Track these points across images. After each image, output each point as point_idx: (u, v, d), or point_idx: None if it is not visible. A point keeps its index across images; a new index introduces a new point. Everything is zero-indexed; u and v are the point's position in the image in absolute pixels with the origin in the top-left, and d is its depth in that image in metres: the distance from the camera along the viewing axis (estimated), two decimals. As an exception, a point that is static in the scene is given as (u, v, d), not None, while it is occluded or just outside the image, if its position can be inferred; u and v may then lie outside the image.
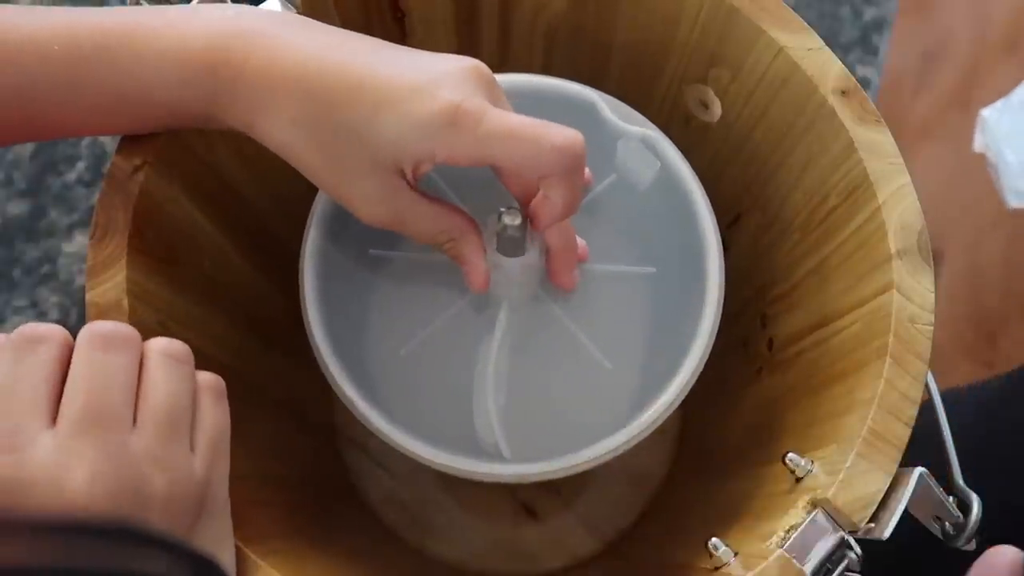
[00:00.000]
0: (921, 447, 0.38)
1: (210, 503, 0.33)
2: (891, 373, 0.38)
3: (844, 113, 0.41)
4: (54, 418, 0.30)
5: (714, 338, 0.41)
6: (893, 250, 0.39)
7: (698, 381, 0.41)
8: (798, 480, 0.39)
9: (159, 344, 0.33)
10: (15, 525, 0.26)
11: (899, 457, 0.37)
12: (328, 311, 0.42)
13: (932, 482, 0.37)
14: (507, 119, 0.34)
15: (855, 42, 0.66)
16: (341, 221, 0.42)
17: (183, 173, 0.43)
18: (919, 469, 0.37)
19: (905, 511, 0.36)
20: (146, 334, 0.33)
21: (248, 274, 0.50)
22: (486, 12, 0.50)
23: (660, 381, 0.41)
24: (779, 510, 0.38)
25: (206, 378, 0.34)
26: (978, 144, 0.92)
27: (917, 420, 0.37)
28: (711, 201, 0.44)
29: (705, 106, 0.49)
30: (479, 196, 0.42)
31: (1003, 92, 1.28)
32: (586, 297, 0.43)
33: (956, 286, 1.21)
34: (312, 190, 0.42)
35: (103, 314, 0.38)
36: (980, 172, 0.93)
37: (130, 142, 0.40)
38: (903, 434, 0.37)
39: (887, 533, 0.35)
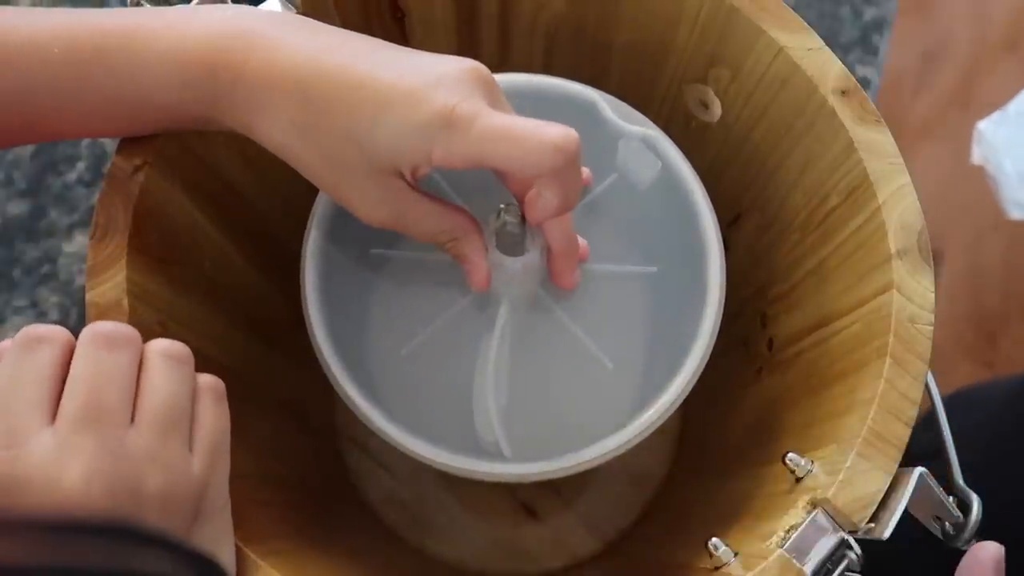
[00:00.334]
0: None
1: (209, 503, 0.33)
2: (891, 373, 0.38)
3: (844, 113, 0.41)
4: (54, 416, 0.30)
5: (715, 338, 0.41)
6: (893, 250, 0.39)
7: (698, 381, 0.41)
8: (798, 480, 0.39)
9: (159, 345, 0.33)
10: (11, 524, 0.26)
11: (899, 457, 0.37)
12: (329, 310, 0.42)
13: (932, 482, 0.37)
14: (500, 119, 0.34)
15: (855, 42, 0.66)
16: (342, 221, 0.42)
17: (183, 173, 0.43)
18: (919, 469, 0.37)
19: (905, 511, 0.36)
20: (146, 334, 0.33)
21: (248, 274, 0.50)
22: (486, 12, 0.50)
23: (661, 381, 0.41)
24: (779, 510, 0.38)
25: (206, 379, 0.34)
26: (976, 156, 0.92)
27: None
28: (711, 201, 0.44)
29: (705, 106, 0.49)
30: (481, 195, 0.42)
31: (1003, 92, 1.28)
32: (587, 297, 0.43)
33: (956, 286, 1.21)
34: (313, 190, 0.42)
35: (103, 314, 0.38)
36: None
37: (130, 142, 0.40)
38: (903, 434, 0.37)
39: (887, 533, 0.35)
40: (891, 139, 0.41)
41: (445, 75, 0.35)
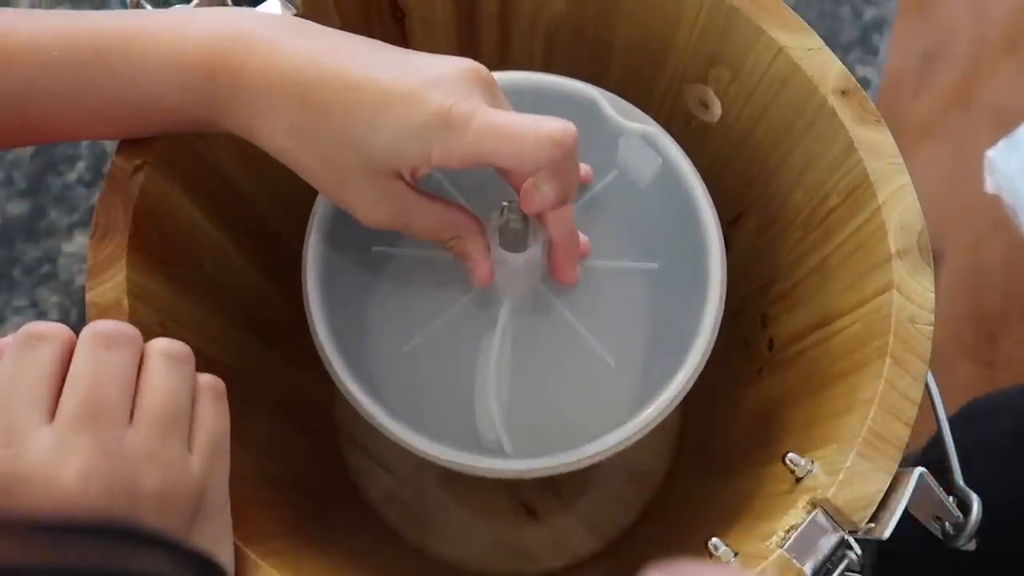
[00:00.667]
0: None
1: (208, 503, 0.33)
2: (891, 373, 0.38)
3: (844, 113, 0.41)
4: (54, 414, 0.30)
5: (716, 334, 0.41)
6: (893, 250, 0.39)
7: (699, 380, 0.41)
8: (798, 480, 0.39)
9: (160, 344, 0.33)
10: (8, 524, 0.26)
11: (899, 457, 0.37)
12: (331, 308, 0.42)
13: (932, 482, 0.37)
14: (497, 116, 0.34)
15: (855, 42, 0.66)
16: (343, 219, 0.42)
17: (183, 173, 0.43)
18: (919, 469, 0.37)
19: (905, 511, 0.36)
20: (146, 334, 0.33)
21: (249, 274, 0.50)
22: (486, 12, 0.50)
23: (662, 377, 0.41)
24: (779, 510, 0.38)
25: (206, 379, 0.34)
26: (990, 186, 0.91)
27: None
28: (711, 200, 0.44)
29: (705, 106, 0.49)
30: (483, 192, 0.42)
31: (1003, 92, 1.28)
32: (588, 293, 0.43)
33: (956, 286, 1.21)
34: (313, 189, 0.41)
35: (103, 314, 0.38)
36: (980, 172, 0.93)
37: (130, 142, 0.40)
38: (903, 434, 0.37)
39: (887, 533, 0.35)
40: (891, 139, 0.41)
41: (442, 76, 0.35)
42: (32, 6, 0.65)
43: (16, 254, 0.59)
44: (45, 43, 0.36)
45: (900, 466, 0.37)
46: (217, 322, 0.46)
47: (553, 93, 0.45)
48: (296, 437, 0.55)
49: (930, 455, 0.69)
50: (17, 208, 0.60)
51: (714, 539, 0.39)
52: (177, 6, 0.42)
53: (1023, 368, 1.17)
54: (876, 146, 0.41)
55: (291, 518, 0.45)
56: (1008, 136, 0.91)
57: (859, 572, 0.36)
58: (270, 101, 0.36)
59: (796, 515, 0.37)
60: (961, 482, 0.39)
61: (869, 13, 0.67)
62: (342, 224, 0.43)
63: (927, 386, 0.39)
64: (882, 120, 0.41)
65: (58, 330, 0.32)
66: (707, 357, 0.41)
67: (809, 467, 0.39)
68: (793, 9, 0.43)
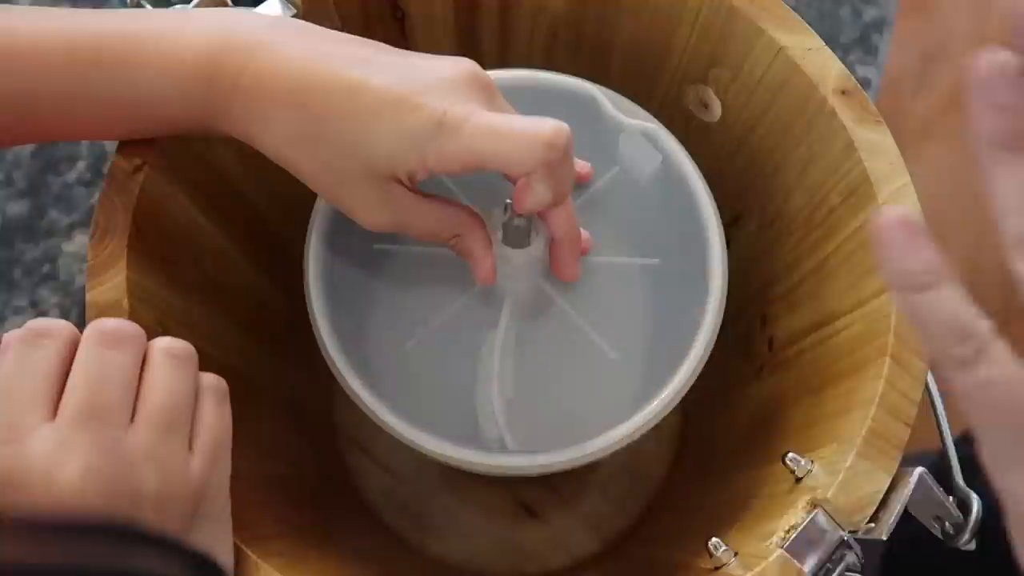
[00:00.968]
0: None
1: (208, 504, 0.33)
2: (891, 373, 0.38)
3: (844, 113, 0.41)
4: (55, 412, 0.30)
5: (718, 329, 0.41)
6: (893, 250, 0.39)
7: (699, 380, 0.41)
8: (798, 480, 0.39)
9: (162, 343, 0.33)
10: (7, 523, 0.26)
11: (899, 457, 0.37)
12: (333, 307, 0.42)
13: (932, 482, 0.37)
14: (490, 119, 0.34)
15: (855, 42, 0.66)
16: (344, 217, 0.42)
17: (183, 173, 0.43)
18: (919, 469, 0.37)
19: (905, 511, 0.36)
20: (146, 334, 0.33)
21: (249, 274, 0.50)
22: (486, 13, 0.50)
23: (664, 372, 0.41)
24: (779, 510, 0.38)
25: (209, 380, 0.35)
26: None
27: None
28: (711, 201, 0.44)
29: (705, 106, 0.49)
30: (486, 189, 0.41)
31: (1003, 92, 1.28)
32: (590, 289, 0.43)
33: (956, 286, 1.21)
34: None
35: (103, 314, 0.38)
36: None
37: (130, 142, 0.41)
38: (903, 434, 0.37)
39: (887, 533, 0.35)
40: (891, 139, 0.41)
41: (438, 79, 0.35)
42: (33, 3, 0.65)
43: (16, 254, 0.59)
44: (46, 45, 0.36)
45: (901, 466, 0.37)
46: (217, 322, 0.46)
47: (553, 90, 0.45)
48: (296, 437, 0.55)
49: (930, 454, 0.69)
50: (17, 208, 0.60)
51: (714, 539, 0.39)
52: (177, 6, 0.42)
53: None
54: (876, 146, 0.41)
55: (291, 518, 0.45)
56: None
57: (859, 572, 0.36)
58: (268, 107, 0.36)
59: (796, 515, 0.37)
60: (961, 482, 0.39)
61: (869, 13, 0.67)
62: (343, 222, 0.43)
63: (927, 386, 0.39)
64: (882, 120, 0.41)
65: (62, 327, 0.32)
66: (709, 351, 0.41)
67: (809, 467, 0.39)
68: (793, 9, 0.43)
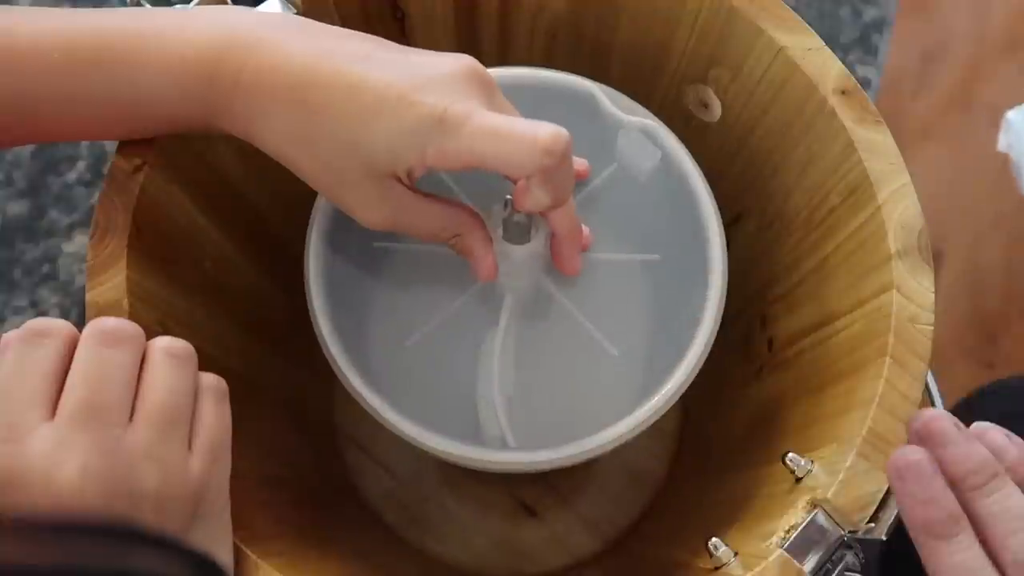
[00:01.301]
0: None
1: (207, 504, 0.33)
2: (891, 373, 0.38)
3: (844, 113, 0.41)
4: (55, 411, 0.30)
5: (719, 323, 0.41)
6: (893, 250, 0.39)
7: (699, 380, 0.41)
8: (798, 480, 0.39)
9: (162, 342, 0.33)
10: (6, 523, 0.26)
11: (899, 457, 0.37)
12: (333, 305, 0.42)
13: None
14: (491, 120, 0.34)
15: (855, 42, 0.66)
16: (344, 215, 0.42)
17: (183, 173, 0.43)
18: (919, 469, 0.37)
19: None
20: (146, 334, 0.33)
21: (249, 273, 0.50)
22: (485, 14, 0.50)
23: (666, 367, 0.41)
24: (779, 510, 0.38)
25: (209, 379, 0.34)
26: (1002, 144, 0.93)
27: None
28: (711, 201, 0.44)
29: (705, 106, 0.49)
30: (485, 184, 0.41)
31: (1003, 93, 1.28)
32: (590, 285, 0.43)
33: (956, 286, 1.21)
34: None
35: (103, 314, 0.38)
36: (980, 172, 0.93)
37: (130, 142, 0.40)
38: (903, 434, 0.37)
39: (887, 533, 0.35)
40: (891, 139, 0.41)
41: (438, 76, 0.35)
42: (33, 3, 0.65)
43: (16, 254, 0.59)
44: (46, 45, 0.36)
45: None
46: (217, 322, 0.46)
47: (552, 88, 0.45)
48: (296, 437, 0.55)
49: None
50: (17, 208, 0.60)
51: (714, 539, 0.39)
52: (177, 5, 0.42)
53: (1023, 368, 1.17)
54: (876, 146, 0.41)
55: (291, 518, 0.45)
56: None
57: (859, 572, 0.36)
58: (268, 105, 0.36)
59: (796, 515, 0.37)
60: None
61: (869, 13, 0.67)
62: (344, 221, 0.43)
63: (927, 386, 0.39)
64: (882, 120, 0.41)
65: (61, 326, 0.32)
66: (710, 347, 0.41)
67: (809, 467, 0.39)
68: (793, 9, 0.43)
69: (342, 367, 0.40)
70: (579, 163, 0.44)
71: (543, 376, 0.42)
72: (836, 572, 0.35)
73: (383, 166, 0.36)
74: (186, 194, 0.43)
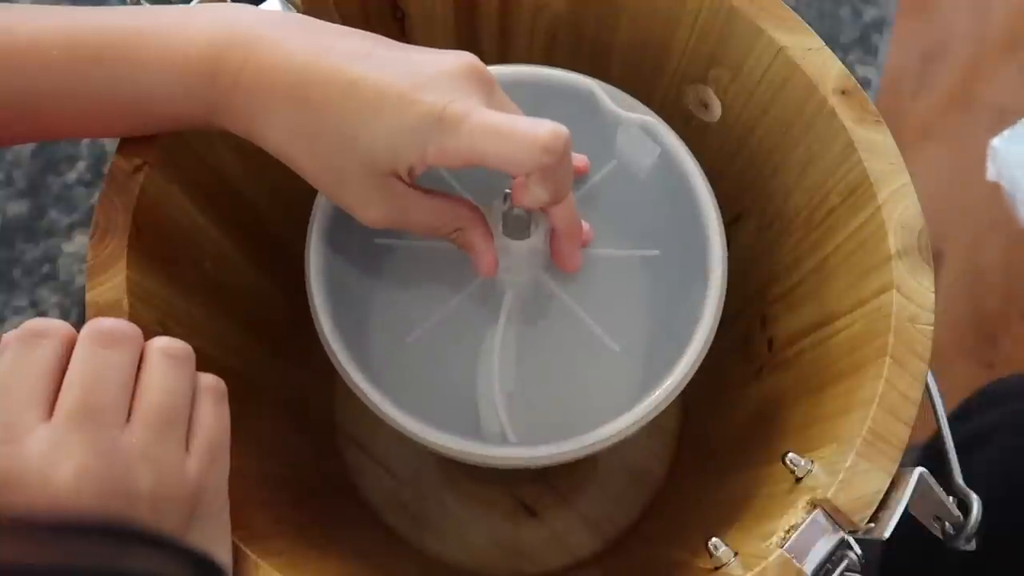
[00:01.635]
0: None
1: (205, 504, 0.33)
2: (891, 373, 0.38)
3: (844, 113, 0.41)
4: (52, 412, 0.30)
5: (719, 318, 0.41)
6: (893, 250, 0.39)
7: (699, 380, 0.41)
8: (798, 480, 0.39)
9: (160, 343, 0.33)
10: (4, 523, 0.26)
11: (899, 457, 0.37)
12: (334, 301, 0.42)
13: (932, 482, 0.37)
14: (491, 118, 0.34)
15: (855, 42, 0.66)
16: (345, 213, 0.42)
17: (183, 173, 0.43)
18: (919, 469, 0.37)
19: (905, 511, 0.36)
20: (146, 334, 0.33)
21: (249, 273, 0.50)
22: (485, 13, 0.50)
23: (666, 363, 0.41)
24: (779, 510, 0.38)
25: (207, 380, 0.34)
26: (991, 173, 0.92)
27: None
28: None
29: (705, 106, 0.49)
30: (484, 179, 0.41)
31: (1003, 93, 1.28)
32: (590, 281, 0.43)
33: (956, 286, 1.21)
34: (313, 187, 0.42)
35: (103, 314, 0.38)
36: (980, 172, 0.93)
37: (130, 142, 0.40)
38: (903, 434, 0.37)
39: (887, 533, 0.35)
40: (891, 139, 0.41)
41: (438, 74, 0.35)
42: (34, 1, 0.65)
43: (16, 254, 0.59)
44: (47, 42, 0.36)
45: (900, 465, 0.37)
46: (217, 322, 0.46)
47: (552, 85, 0.45)
48: (296, 437, 0.55)
49: (929, 452, 0.69)
50: (17, 208, 0.60)
51: (714, 539, 0.39)
52: (178, 4, 0.41)
53: (1023, 368, 1.17)
54: (876, 146, 0.41)
55: (291, 518, 0.45)
56: (1013, 126, 0.91)
57: (859, 572, 0.36)
58: (269, 102, 0.36)
59: (796, 515, 0.37)
60: (961, 482, 0.39)
61: (869, 13, 0.67)
62: (344, 218, 0.42)
63: (927, 386, 0.39)
64: (882, 120, 0.41)
65: (59, 327, 0.32)
66: (710, 343, 0.41)
67: (809, 467, 0.39)
68: (793, 9, 0.43)
69: (343, 363, 0.40)
70: (579, 159, 0.44)
71: (543, 372, 0.42)
72: (836, 572, 0.35)
73: (383, 164, 0.36)
74: (186, 194, 0.43)
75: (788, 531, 0.36)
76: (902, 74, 1.30)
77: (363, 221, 0.38)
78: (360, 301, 0.43)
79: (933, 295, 0.39)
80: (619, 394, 0.41)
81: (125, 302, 0.38)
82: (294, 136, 0.36)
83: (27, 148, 0.62)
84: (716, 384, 0.48)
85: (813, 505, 0.37)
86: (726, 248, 0.43)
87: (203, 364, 0.35)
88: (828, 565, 0.36)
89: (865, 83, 0.65)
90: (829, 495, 0.36)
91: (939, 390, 0.41)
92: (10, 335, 0.31)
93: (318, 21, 0.38)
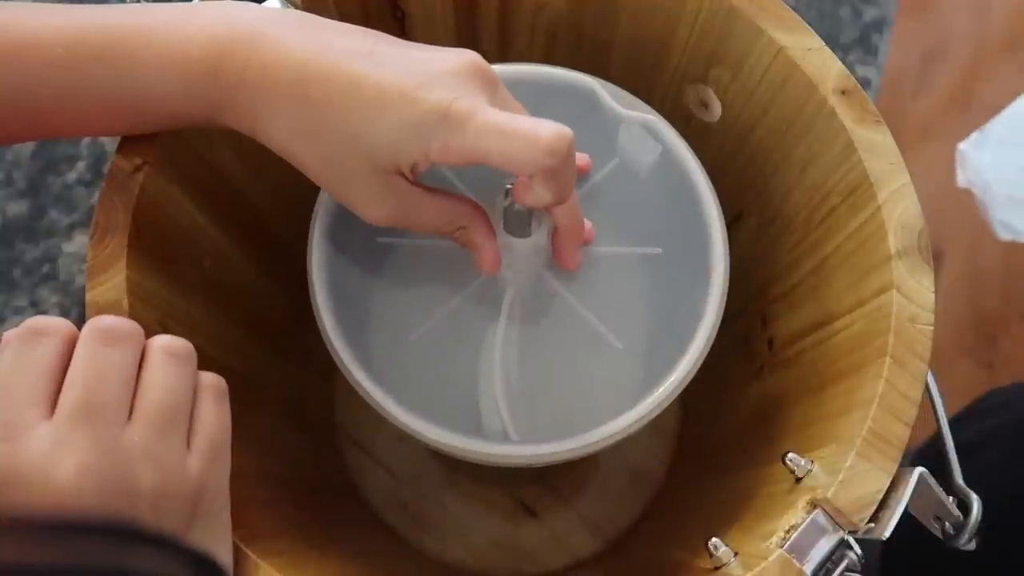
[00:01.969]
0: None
1: (206, 503, 0.33)
2: (891, 373, 0.38)
3: (844, 113, 0.41)
4: (53, 410, 0.30)
5: (721, 317, 0.41)
6: (893, 250, 0.39)
7: (700, 379, 0.41)
8: (798, 480, 0.39)
9: (161, 341, 0.33)
10: (4, 522, 0.26)
11: (899, 457, 0.37)
12: (336, 299, 0.42)
13: (932, 482, 0.37)
14: (495, 117, 0.34)
15: (855, 42, 0.66)
16: (347, 211, 0.42)
17: (183, 173, 0.43)
18: (919, 469, 0.37)
19: (905, 511, 0.36)
20: (146, 334, 0.33)
21: (249, 273, 0.50)
22: (485, 12, 0.50)
23: (668, 361, 0.41)
24: (779, 510, 0.38)
25: (208, 378, 0.34)
26: (961, 180, 0.91)
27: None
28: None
29: (705, 106, 0.49)
30: (486, 178, 0.41)
31: (1003, 93, 1.28)
32: (592, 279, 0.43)
33: (956, 286, 1.21)
34: (314, 186, 0.42)
35: (103, 313, 0.38)
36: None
37: (130, 142, 0.40)
38: (903, 434, 0.37)
39: (887, 533, 0.35)
40: (891, 139, 0.41)
41: (442, 71, 0.35)
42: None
43: (16, 254, 0.59)
44: (49, 40, 0.36)
45: (900, 465, 0.37)
46: (217, 321, 0.46)
47: (552, 84, 0.45)
48: (297, 436, 0.55)
49: (929, 453, 0.69)
50: (17, 208, 0.60)
51: (714, 539, 0.39)
52: (179, 1, 0.41)
53: (1023, 368, 1.17)
54: (876, 146, 0.41)
55: (292, 518, 0.45)
56: (980, 130, 0.90)
57: (859, 572, 0.36)
58: (272, 100, 0.36)
59: (796, 515, 0.37)
60: (961, 482, 0.39)
61: (869, 13, 0.67)
62: (346, 216, 0.42)
63: (927, 386, 0.39)
64: (882, 120, 0.41)
65: (60, 325, 0.32)
66: (712, 341, 0.41)
67: (809, 467, 0.39)
68: (793, 9, 0.43)
69: (345, 362, 0.40)
70: (580, 158, 0.44)
71: (545, 370, 0.42)
72: (836, 572, 0.35)
73: (386, 161, 0.36)
74: (186, 194, 0.43)
75: (788, 531, 0.36)
76: (902, 74, 1.30)
77: (366, 219, 0.38)
78: (362, 299, 0.43)
79: (933, 295, 0.39)
80: (621, 392, 0.41)
81: (125, 302, 0.38)
82: (296, 134, 0.36)
83: (27, 148, 0.62)
84: (716, 383, 0.48)
85: (813, 505, 0.37)
86: (727, 245, 0.43)
87: (203, 363, 0.35)
88: (828, 565, 0.36)
89: (865, 83, 0.65)
90: (829, 495, 0.36)
91: (939, 390, 0.41)
92: (11, 333, 0.31)
93: (319, 18, 0.38)
